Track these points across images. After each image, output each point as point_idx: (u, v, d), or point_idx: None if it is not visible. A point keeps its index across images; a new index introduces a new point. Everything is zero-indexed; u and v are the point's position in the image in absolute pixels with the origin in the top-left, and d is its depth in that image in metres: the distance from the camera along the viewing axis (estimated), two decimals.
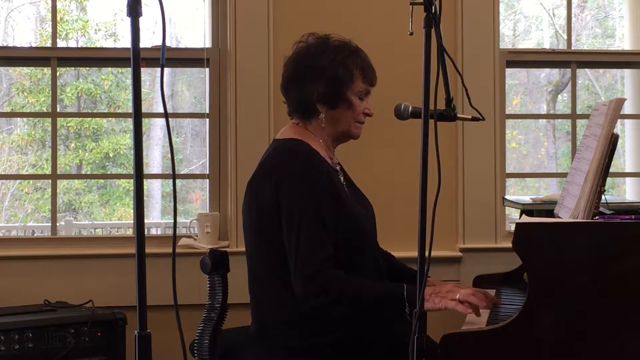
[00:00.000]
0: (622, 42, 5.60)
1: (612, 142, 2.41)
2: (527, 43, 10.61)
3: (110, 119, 11.42)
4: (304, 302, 2.35)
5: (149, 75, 8.99)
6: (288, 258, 2.37)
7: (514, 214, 4.26)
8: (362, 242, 2.50)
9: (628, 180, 4.19)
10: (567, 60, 3.94)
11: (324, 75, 2.50)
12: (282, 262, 2.40)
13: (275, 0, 3.55)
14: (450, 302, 2.31)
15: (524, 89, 10.75)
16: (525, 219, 2.68)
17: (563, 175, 4.06)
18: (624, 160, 4.42)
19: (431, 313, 2.30)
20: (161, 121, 9.78)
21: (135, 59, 1.75)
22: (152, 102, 8.93)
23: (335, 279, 2.34)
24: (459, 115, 2.46)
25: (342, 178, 2.62)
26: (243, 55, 3.53)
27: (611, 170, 2.50)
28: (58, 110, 5.69)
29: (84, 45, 10.44)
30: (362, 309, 2.36)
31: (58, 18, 6.08)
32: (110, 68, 9.51)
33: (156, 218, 10.46)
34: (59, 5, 4.93)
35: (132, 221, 8.47)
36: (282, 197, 2.39)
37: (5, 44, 9.58)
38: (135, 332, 1.75)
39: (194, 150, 10.99)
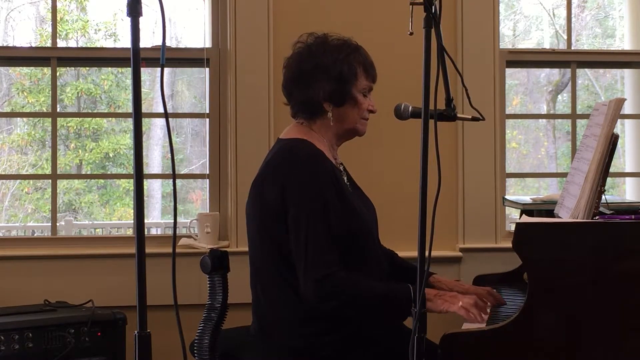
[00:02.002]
0: (622, 42, 5.60)
1: (612, 142, 2.41)
2: (527, 43, 10.61)
3: (110, 119, 11.43)
4: (312, 304, 2.34)
5: (149, 75, 8.99)
6: (295, 260, 2.36)
7: (514, 214, 4.26)
8: (366, 240, 2.51)
9: (628, 180, 4.19)
10: (567, 60, 3.93)
11: (328, 74, 2.50)
12: (286, 262, 2.40)
13: (275, 0, 3.55)
14: (454, 307, 2.34)
15: (524, 89, 10.76)
16: (525, 219, 2.68)
17: (563, 175, 4.05)
18: (624, 160, 4.42)
19: (432, 313, 2.31)
20: (161, 121, 9.79)
21: (135, 59, 1.75)
22: (152, 102, 8.94)
23: (344, 281, 2.35)
24: (459, 115, 2.47)
25: (345, 178, 2.62)
26: (243, 55, 3.53)
27: (611, 170, 2.50)
28: (58, 110, 5.68)
29: (84, 45, 10.44)
30: (370, 310, 2.37)
31: (58, 18, 6.07)
32: (110, 68, 9.52)
33: (156, 218, 10.46)
34: (59, 5, 4.92)
35: (132, 221, 8.46)
36: (288, 199, 2.38)
37: (5, 44, 9.59)
38: (135, 332, 1.75)
39: (194, 150, 10.99)
